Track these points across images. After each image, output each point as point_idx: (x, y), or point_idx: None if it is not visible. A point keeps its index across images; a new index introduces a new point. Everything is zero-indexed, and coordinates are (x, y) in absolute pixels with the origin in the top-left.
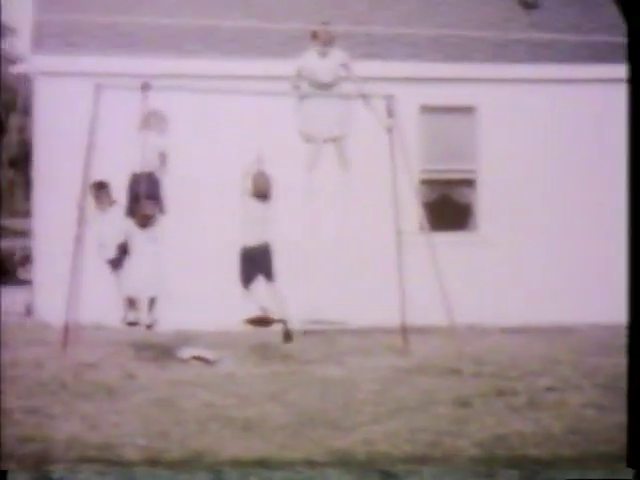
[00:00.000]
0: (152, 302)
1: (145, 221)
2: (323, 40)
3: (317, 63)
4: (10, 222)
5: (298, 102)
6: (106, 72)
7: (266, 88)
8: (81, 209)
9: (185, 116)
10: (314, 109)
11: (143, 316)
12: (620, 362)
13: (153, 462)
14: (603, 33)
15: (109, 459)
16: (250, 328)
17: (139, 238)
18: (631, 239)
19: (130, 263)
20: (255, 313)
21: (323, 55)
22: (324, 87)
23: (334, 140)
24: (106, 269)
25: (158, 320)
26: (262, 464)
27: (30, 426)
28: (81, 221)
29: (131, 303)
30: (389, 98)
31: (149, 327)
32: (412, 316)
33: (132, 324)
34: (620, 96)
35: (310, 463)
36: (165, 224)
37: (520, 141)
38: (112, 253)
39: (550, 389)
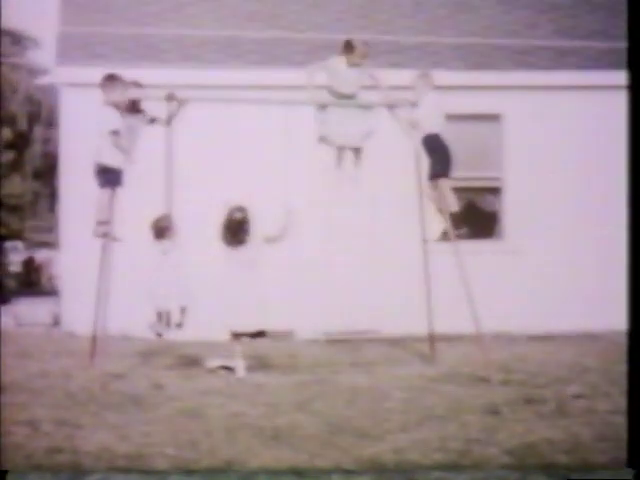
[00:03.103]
0: (183, 310)
1: (161, 233)
2: (359, 53)
3: (344, 71)
4: (34, 233)
5: (318, 109)
6: None
7: (290, 98)
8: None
9: (208, 126)
10: (334, 117)
11: (172, 322)
12: None
13: (183, 471)
14: None
15: (139, 469)
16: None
17: (156, 250)
18: (632, 247)
19: (153, 277)
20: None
21: (352, 66)
22: (343, 97)
23: (353, 148)
24: (133, 280)
25: (185, 322)
26: (292, 473)
27: (59, 437)
28: (108, 229)
29: (160, 316)
30: (413, 107)
31: (179, 326)
32: (439, 324)
33: (160, 335)
34: None
35: (340, 471)
36: (187, 233)
37: (546, 148)
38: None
39: (578, 396)
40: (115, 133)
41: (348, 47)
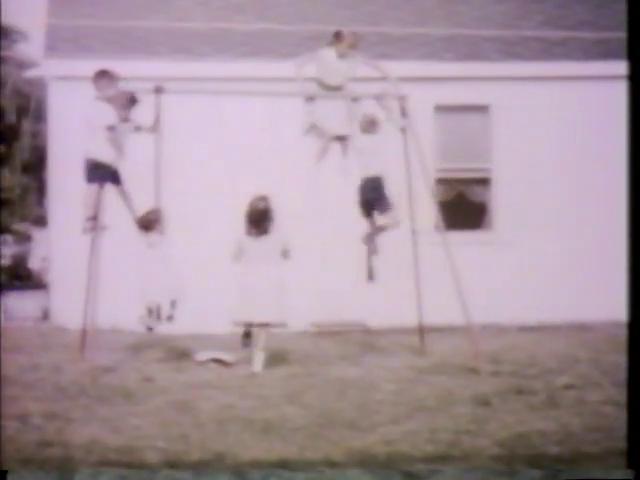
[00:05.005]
0: (173, 304)
1: (149, 225)
2: (347, 43)
3: (333, 62)
4: (23, 227)
5: (306, 101)
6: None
7: (279, 90)
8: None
9: (197, 118)
10: (322, 108)
11: (162, 316)
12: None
13: (173, 465)
14: (617, 30)
15: (129, 462)
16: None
17: (145, 244)
18: (631, 237)
19: (141, 271)
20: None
21: (342, 57)
22: (331, 88)
23: (341, 139)
24: (123, 273)
25: (175, 315)
26: (282, 465)
27: (50, 431)
28: (97, 225)
29: (150, 311)
30: (402, 98)
31: (169, 319)
32: (429, 316)
33: (150, 329)
34: None
35: (330, 464)
36: (176, 227)
37: (535, 139)
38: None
39: (569, 387)
40: (111, 128)
41: (337, 37)
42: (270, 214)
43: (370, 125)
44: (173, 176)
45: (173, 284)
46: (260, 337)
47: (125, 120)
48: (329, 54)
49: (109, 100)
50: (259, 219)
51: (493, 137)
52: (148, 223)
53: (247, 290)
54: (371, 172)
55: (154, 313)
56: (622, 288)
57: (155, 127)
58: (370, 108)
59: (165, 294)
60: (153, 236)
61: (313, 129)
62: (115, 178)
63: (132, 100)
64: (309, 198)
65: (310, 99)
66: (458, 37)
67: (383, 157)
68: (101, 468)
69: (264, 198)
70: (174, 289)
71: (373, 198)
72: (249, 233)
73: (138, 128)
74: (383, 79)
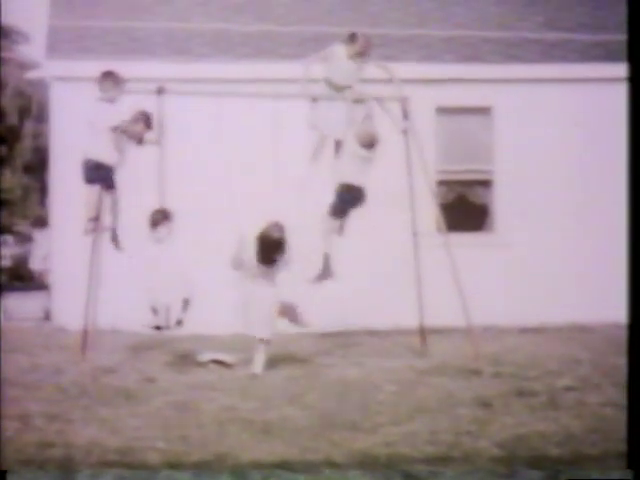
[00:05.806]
0: (185, 303)
1: (156, 222)
2: (358, 47)
3: (343, 60)
4: (24, 227)
5: (312, 101)
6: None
7: (279, 91)
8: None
9: (198, 120)
10: (323, 107)
11: (171, 317)
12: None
13: (174, 465)
14: (617, 32)
15: (130, 463)
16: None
17: (151, 239)
18: (631, 238)
19: (149, 270)
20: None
21: (352, 58)
22: (339, 89)
23: (336, 140)
24: (124, 274)
25: (184, 319)
26: (283, 466)
27: (51, 432)
28: (98, 226)
29: (155, 311)
30: (404, 100)
31: (179, 323)
32: (430, 317)
33: (158, 328)
34: None
35: (331, 465)
36: (177, 228)
37: (536, 141)
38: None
39: (569, 389)
40: (116, 129)
41: (351, 39)
42: (283, 246)
43: (369, 144)
44: (171, 177)
45: (183, 283)
46: (260, 343)
47: (134, 137)
48: (340, 51)
49: (110, 100)
50: (271, 250)
51: (495, 139)
52: (155, 219)
53: (246, 306)
54: (356, 181)
55: (161, 313)
56: (622, 290)
57: (159, 138)
58: (374, 125)
59: (175, 293)
60: (160, 230)
61: (313, 128)
62: (109, 180)
63: (148, 123)
64: (311, 199)
65: (315, 99)
66: (458, 39)
67: (371, 168)
68: (101, 469)
69: (280, 228)
70: (184, 288)
71: (353, 207)
72: (258, 259)
73: (141, 140)
74: (387, 81)
